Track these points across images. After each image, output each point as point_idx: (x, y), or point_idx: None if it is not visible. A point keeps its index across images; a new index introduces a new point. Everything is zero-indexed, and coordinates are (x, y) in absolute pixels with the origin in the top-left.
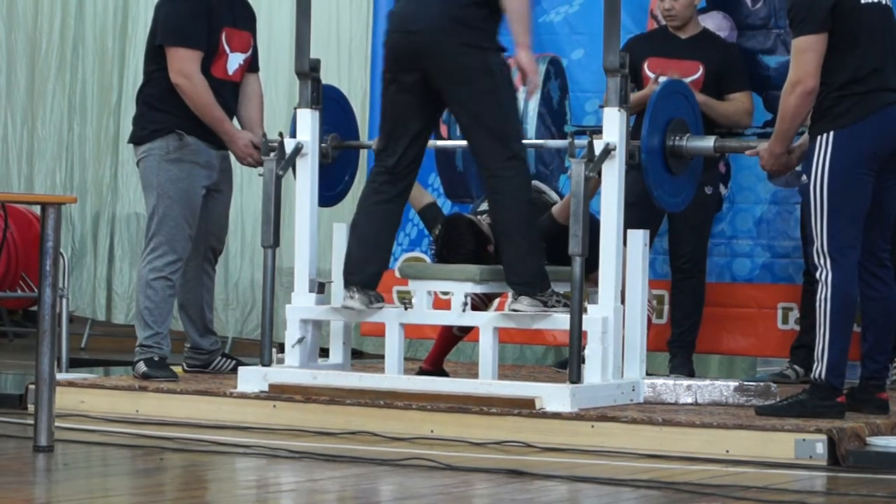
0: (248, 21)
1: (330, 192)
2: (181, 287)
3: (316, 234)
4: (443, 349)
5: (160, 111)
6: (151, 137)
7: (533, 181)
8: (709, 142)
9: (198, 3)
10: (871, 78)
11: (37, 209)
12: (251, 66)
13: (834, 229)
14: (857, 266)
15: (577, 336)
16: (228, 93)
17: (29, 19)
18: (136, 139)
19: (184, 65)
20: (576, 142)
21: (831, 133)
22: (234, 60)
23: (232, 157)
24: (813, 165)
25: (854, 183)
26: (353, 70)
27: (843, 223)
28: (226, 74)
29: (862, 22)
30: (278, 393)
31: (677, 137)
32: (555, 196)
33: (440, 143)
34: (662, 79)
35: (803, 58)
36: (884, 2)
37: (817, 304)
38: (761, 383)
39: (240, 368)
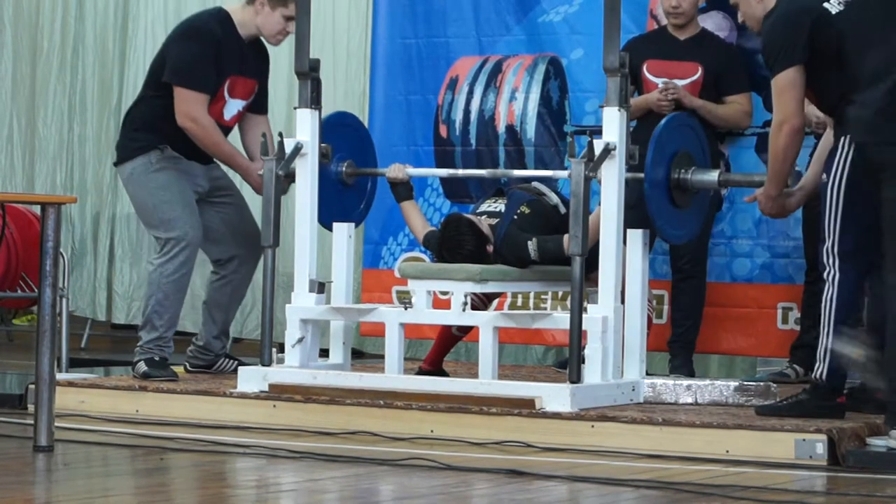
0: (257, 69)
1: (345, 219)
2: (211, 285)
3: (316, 234)
4: (442, 349)
5: (144, 131)
6: (133, 155)
7: (533, 182)
8: (713, 175)
9: (208, 47)
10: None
11: (37, 209)
12: (258, 108)
13: (846, 231)
14: (865, 269)
15: (577, 336)
16: None
17: (33, 19)
18: (119, 159)
19: (190, 107)
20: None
21: None
22: (233, 107)
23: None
24: (833, 165)
25: (871, 186)
26: (350, 70)
27: (856, 225)
28: (220, 119)
29: (846, 30)
30: (278, 393)
31: (682, 170)
32: (554, 198)
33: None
34: (669, 88)
35: (785, 97)
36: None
37: (822, 303)
38: (761, 383)
39: (240, 368)
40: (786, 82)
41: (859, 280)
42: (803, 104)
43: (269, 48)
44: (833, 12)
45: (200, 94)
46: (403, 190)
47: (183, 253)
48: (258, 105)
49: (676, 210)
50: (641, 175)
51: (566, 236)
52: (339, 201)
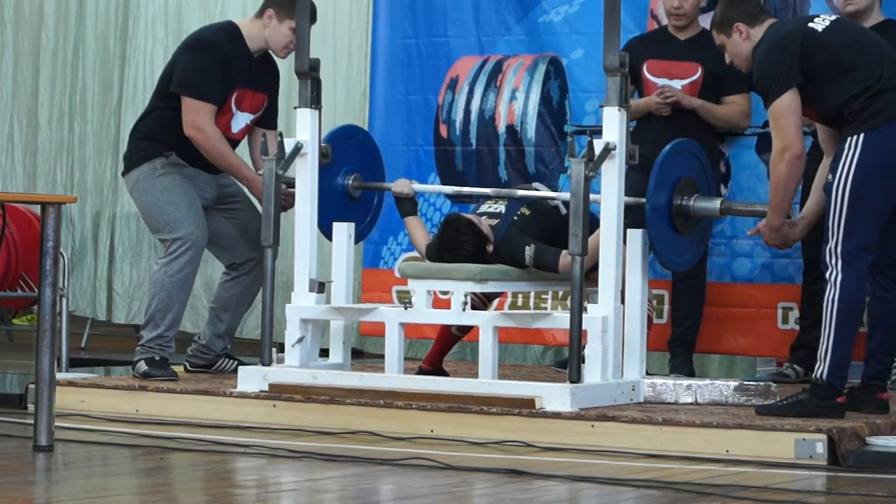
0: (266, 83)
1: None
2: (220, 286)
3: (316, 233)
4: (442, 349)
5: (150, 140)
6: (139, 163)
7: (533, 182)
8: (715, 204)
9: (215, 58)
10: (889, 77)
11: (37, 209)
12: (268, 123)
13: (850, 231)
14: (868, 270)
15: (577, 335)
16: None
17: (34, 18)
18: (126, 168)
19: (197, 117)
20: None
21: (862, 135)
22: (241, 120)
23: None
24: (840, 165)
25: (878, 185)
26: (352, 70)
27: (861, 226)
28: (228, 131)
29: (840, 44)
30: (278, 393)
31: (685, 197)
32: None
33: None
34: (666, 91)
35: (783, 123)
36: (833, 17)
37: (824, 303)
38: (761, 383)
39: (240, 368)
40: (783, 108)
41: (861, 281)
42: (801, 129)
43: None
44: (819, 30)
45: (207, 105)
46: (408, 205)
47: (187, 253)
48: (267, 119)
49: (678, 236)
50: (643, 200)
51: (564, 253)
52: (344, 214)
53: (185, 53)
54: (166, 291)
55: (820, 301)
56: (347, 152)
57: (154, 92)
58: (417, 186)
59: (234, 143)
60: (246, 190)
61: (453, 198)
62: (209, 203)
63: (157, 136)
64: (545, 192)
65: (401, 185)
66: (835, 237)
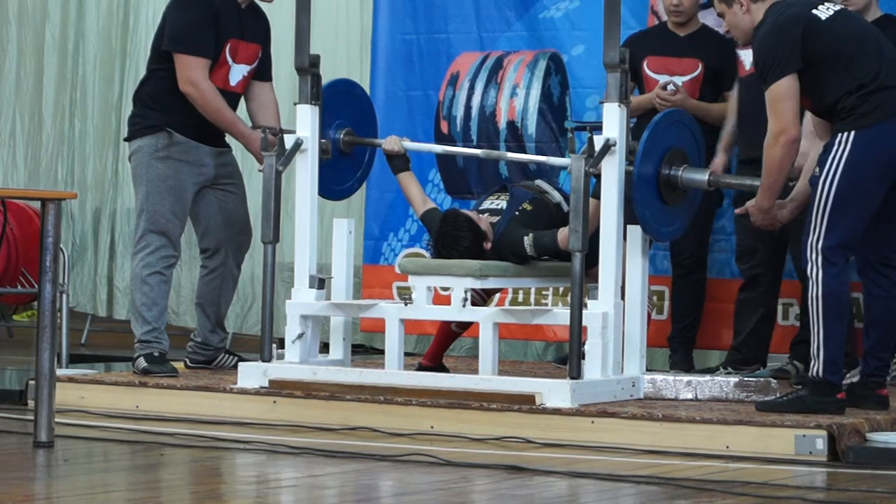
0: (257, 33)
1: (339, 187)
2: (200, 280)
3: (316, 229)
4: (441, 345)
5: (154, 109)
6: (142, 133)
7: (536, 180)
8: (703, 175)
9: (205, 11)
10: (886, 75)
11: (37, 205)
12: (262, 75)
13: (832, 228)
14: (845, 265)
15: (577, 332)
16: (229, 103)
17: (37, 15)
18: (129, 135)
19: (191, 73)
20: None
21: (852, 133)
22: (238, 72)
23: (237, 151)
24: (828, 160)
25: (865, 185)
26: (356, 67)
27: (843, 224)
28: (227, 85)
29: (842, 35)
30: (278, 388)
31: (673, 167)
32: (557, 195)
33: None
34: (669, 86)
35: (781, 107)
36: (837, 7)
37: (809, 302)
38: (761, 379)
39: (240, 364)
40: (781, 91)
41: (842, 275)
42: (799, 114)
43: (274, 49)
44: (823, 18)
45: (200, 59)
46: (400, 162)
47: (161, 249)
48: (262, 71)
49: (664, 206)
50: (631, 168)
51: (562, 230)
52: (333, 170)
53: (173, 10)
54: (147, 285)
55: None
56: (340, 106)
57: (150, 56)
58: (408, 144)
59: (234, 96)
60: (245, 167)
61: (454, 194)
62: (206, 182)
63: (160, 103)
64: (540, 158)
65: (391, 143)
66: (816, 232)
